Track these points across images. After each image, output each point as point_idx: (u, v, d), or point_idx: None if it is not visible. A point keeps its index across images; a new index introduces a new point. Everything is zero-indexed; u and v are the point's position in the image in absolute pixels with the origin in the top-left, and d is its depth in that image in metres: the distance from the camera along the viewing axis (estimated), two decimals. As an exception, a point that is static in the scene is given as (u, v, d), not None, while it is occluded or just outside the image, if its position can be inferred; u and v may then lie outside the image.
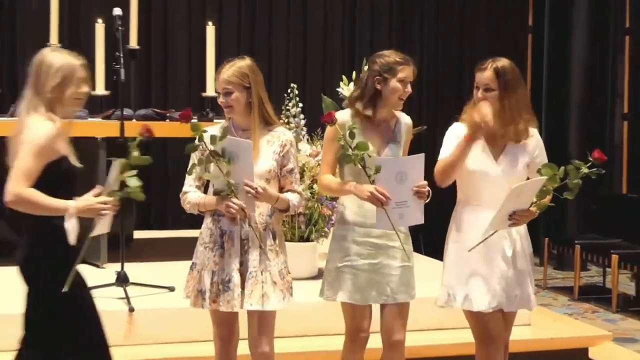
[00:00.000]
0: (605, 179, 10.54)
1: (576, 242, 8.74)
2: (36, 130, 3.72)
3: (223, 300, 4.05)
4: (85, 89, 3.86)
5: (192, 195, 4.14)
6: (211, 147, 3.93)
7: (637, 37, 10.53)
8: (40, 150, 3.69)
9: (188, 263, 4.26)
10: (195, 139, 3.97)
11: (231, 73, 4.08)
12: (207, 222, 4.17)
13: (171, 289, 5.79)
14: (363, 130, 4.25)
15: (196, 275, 4.15)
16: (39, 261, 3.76)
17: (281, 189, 4.19)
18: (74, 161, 3.79)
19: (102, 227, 3.79)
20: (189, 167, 4.10)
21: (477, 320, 4.35)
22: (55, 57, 3.82)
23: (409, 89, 4.25)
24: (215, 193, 4.05)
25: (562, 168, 4.14)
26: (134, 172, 3.70)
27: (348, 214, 4.30)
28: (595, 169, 4.12)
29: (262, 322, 4.15)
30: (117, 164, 3.71)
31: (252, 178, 3.95)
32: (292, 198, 4.18)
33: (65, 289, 3.64)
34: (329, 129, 4.23)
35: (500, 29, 10.55)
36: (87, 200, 3.70)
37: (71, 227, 3.68)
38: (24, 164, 3.65)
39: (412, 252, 4.38)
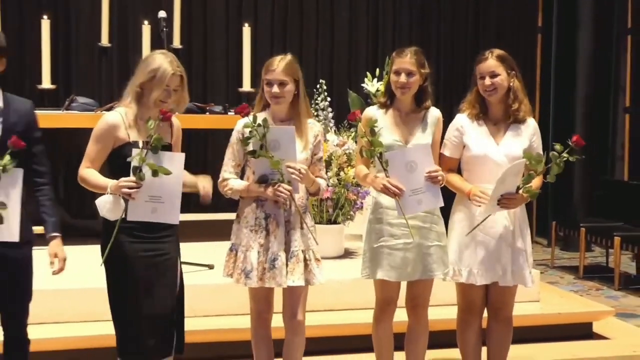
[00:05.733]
0: (608, 167, 10.52)
1: (581, 225, 8.67)
2: (100, 120, 3.88)
3: (269, 277, 4.04)
4: (165, 97, 3.83)
5: (233, 182, 4.12)
6: (260, 142, 3.93)
7: (638, 37, 10.43)
8: (98, 137, 3.86)
9: (226, 243, 4.24)
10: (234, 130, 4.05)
11: (286, 66, 4.06)
12: (252, 206, 4.11)
13: (210, 267, 5.79)
14: (391, 122, 4.27)
15: (240, 256, 4.11)
16: (103, 237, 3.85)
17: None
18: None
19: (164, 215, 3.77)
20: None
21: (463, 290, 4.41)
22: (157, 58, 3.85)
23: (402, 78, 4.20)
24: (261, 180, 4.03)
25: (545, 153, 4.16)
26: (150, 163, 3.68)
27: (382, 199, 4.27)
28: (575, 154, 4.10)
29: (297, 295, 4.16)
30: (135, 151, 3.69)
31: (294, 161, 3.96)
32: (322, 182, 4.21)
33: (102, 261, 3.78)
34: (360, 126, 4.23)
35: (512, 29, 10.46)
36: (121, 180, 3.71)
37: (101, 203, 3.72)
38: (87, 148, 3.86)
39: (444, 233, 4.36)
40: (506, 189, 4.13)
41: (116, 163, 3.83)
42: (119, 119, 3.84)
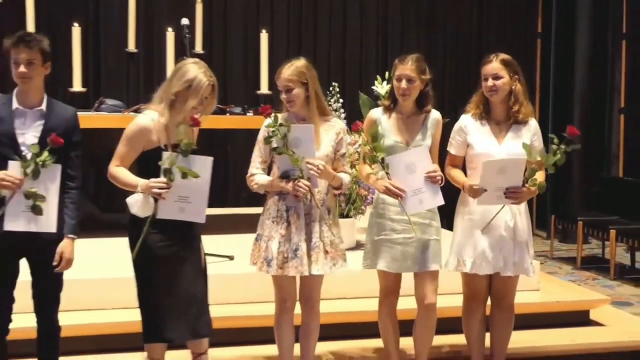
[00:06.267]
0: (604, 165, 10.52)
1: (579, 218, 8.71)
2: (132, 122, 3.86)
3: (292, 266, 4.09)
4: (197, 105, 3.85)
5: (259, 177, 4.17)
6: (281, 140, 3.98)
7: (632, 42, 10.46)
8: (129, 138, 3.85)
9: (245, 235, 4.27)
10: (258, 129, 4.11)
11: (291, 72, 4.10)
12: (274, 199, 4.17)
13: (231, 258, 5.83)
14: (394, 125, 4.31)
15: (263, 245, 4.17)
16: (130, 231, 3.87)
17: (334, 171, 4.22)
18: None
19: (191, 215, 3.79)
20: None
21: (468, 280, 4.46)
22: (191, 69, 3.86)
23: (403, 84, 4.23)
24: (283, 176, 4.08)
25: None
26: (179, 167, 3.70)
27: (384, 195, 4.30)
28: (572, 144, 4.09)
29: (315, 280, 4.23)
30: (166, 154, 3.73)
31: (314, 158, 4.01)
32: (345, 177, 4.24)
33: (133, 256, 3.80)
34: (362, 135, 4.29)
35: (513, 34, 10.48)
36: (151, 180, 3.74)
37: (132, 201, 3.75)
38: (118, 147, 3.86)
39: (440, 228, 4.40)
40: (509, 183, 4.15)
41: (146, 165, 3.84)
42: (150, 123, 3.84)
